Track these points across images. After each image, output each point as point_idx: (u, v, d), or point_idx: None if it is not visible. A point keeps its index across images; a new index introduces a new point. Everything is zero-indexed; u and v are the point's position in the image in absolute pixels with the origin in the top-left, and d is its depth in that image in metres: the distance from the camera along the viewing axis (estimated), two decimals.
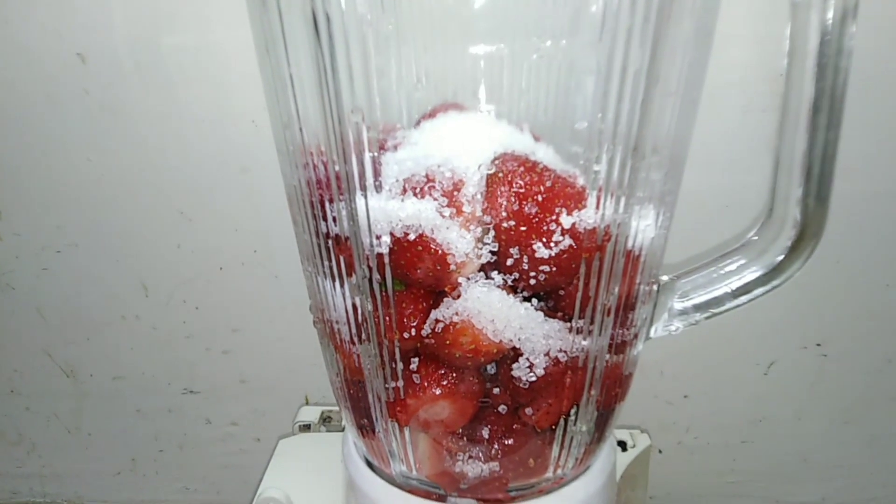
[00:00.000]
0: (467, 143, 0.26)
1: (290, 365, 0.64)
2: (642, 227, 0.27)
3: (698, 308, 0.31)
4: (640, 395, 0.62)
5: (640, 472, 0.46)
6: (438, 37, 0.25)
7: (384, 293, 0.26)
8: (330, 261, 0.27)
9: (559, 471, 0.31)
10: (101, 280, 0.62)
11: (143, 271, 0.62)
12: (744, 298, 0.30)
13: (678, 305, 0.31)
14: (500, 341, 0.26)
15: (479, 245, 0.25)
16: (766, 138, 0.51)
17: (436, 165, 0.25)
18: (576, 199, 0.25)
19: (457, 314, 0.26)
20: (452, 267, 0.25)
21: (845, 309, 0.57)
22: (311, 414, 0.49)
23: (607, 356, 0.29)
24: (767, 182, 0.31)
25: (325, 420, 0.48)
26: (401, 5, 0.24)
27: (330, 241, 0.27)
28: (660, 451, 0.64)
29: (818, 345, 0.59)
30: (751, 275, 0.30)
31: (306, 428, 0.47)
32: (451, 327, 0.26)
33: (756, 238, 0.30)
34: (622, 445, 0.45)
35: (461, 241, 0.25)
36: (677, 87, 0.25)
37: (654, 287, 0.31)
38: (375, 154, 0.24)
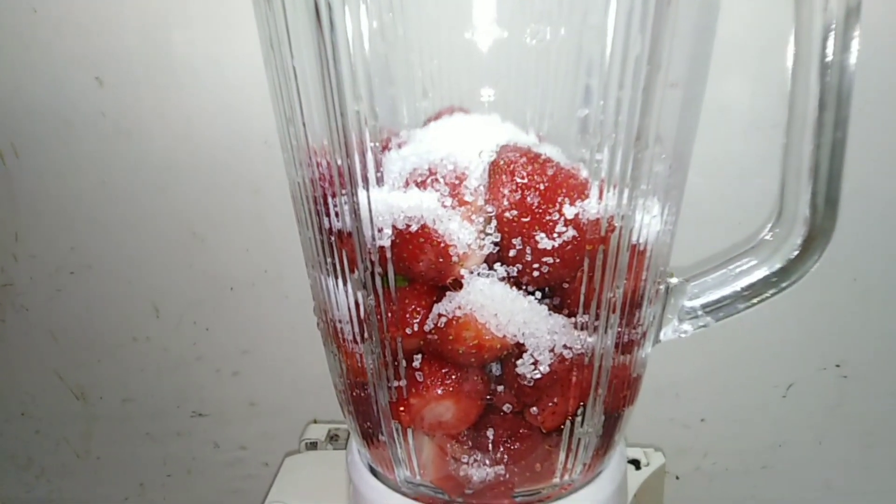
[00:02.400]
0: (471, 139, 0.26)
1: (299, 387, 0.64)
2: (647, 221, 0.26)
3: (708, 310, 0.30)
4: (656, 418, 0.61)
5: (654, 494, 0.45)
6: (442, 33, 0.26)
7: (386, 289, 0.26)
8: (333, 257, 0.27)
9: (566, 476, 0.30)
10: (113, 302, 0.62)
11: (154, 292, 0.62)
12: (755, 300, 0.30)
13: (687, 307, 0.31)
14: (504, 336, 0.26)
15: (482, 236, 0.25)
16: (775, 154, 0.51)
17: (438, 159, 0.25)
18: (578, 190, 0.24)
19: (459, 308, 0.25)
20: (455, 259, 0.25)
21: (865, 328, 0.55)
22: (318, 432, 0.48)
23: (614, 355, 0.28)
24: (778, 197, 0.30)
25: (332, 438, 0.48)
26: None
27: (333, 237, 0.27)
28: (677, 478, 0.62)
29: (837, 366, 0.57)
30: (761, 275, 0.29)
31: (313, 446, 0.46)
32: (453, 321, 0.25)
33: (766, 239, 0.29)
34: (635, 464, 0.44)
35: (463, 233, 0.24)
36: (679, 79, 0.25)
37: (662, 287, 0.31)
38: (377, 144, 0.24)
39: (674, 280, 0.31)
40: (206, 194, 0.58)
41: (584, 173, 0.25)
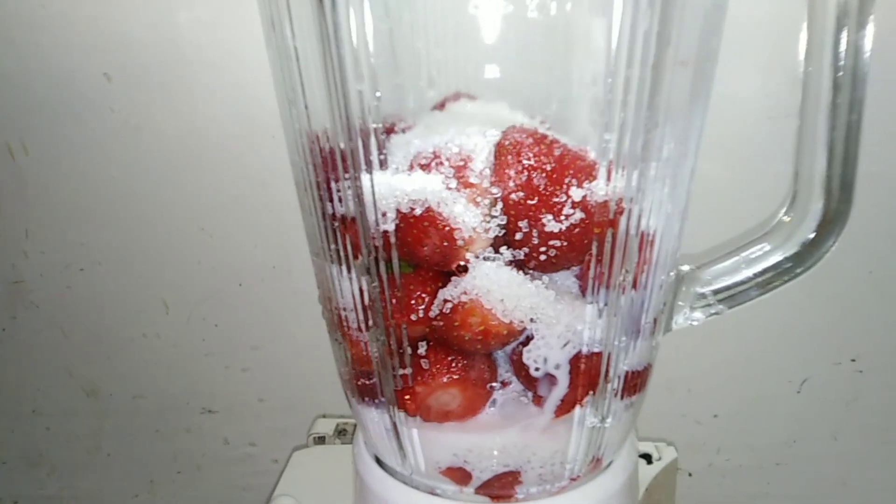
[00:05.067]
0: (477, 122, 0.25)
1: (308, 382, 0.64)
2: (657, 205, 0.26)
3: (720, 297, 0.30)
4: (668, 414, 0.60)
5: (666, 489, 0.44)
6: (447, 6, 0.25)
7: (391, 275, 0.26)
8: (336, 243, 0.27)
9: (575, 467, 0.30)
10: (123, 298, 0.62)
11: (164, 288, 0.62)
12: (768, 287, 0.29)
13: (699, 295, 0.30)
14: (511, 322, 0.25)
15: (488, 219, 0.24)
16: (791, 144, 0.50)
17: (443, 142, 0.24)
18: (586, 172, 0.24)
19: (465, 293, 0.25)
20: (460, 243, 0.24)
21: (880, 321, 0.55)
22: (326, 426, 0.48)
23: (623, 342, 0.27)
24: (791, 181, 0.30)
25: (341, 433, 0.47)
26: None
27: (336, 223, 0.26)
28: (689, 474, 0.62)
29: (853, 360, 0.57)
30: (775, 261, 0.29)
31: (321, 440, 0.46)
32: (459, 307, 0.25)
33: (780, 225, 0.29)
34: (647, 458, 0.43)
35: (469, 216, 0.24)
36: (690, 57, 0.25)
37: (673, 275, 0.30)
38: (380, 126, 0.24)
39: (685, 268, 0.31)
40: (215, 190, 0.58)
41: (591, 155, 0.24)
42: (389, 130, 0.26)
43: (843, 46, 0.27)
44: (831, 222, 0.28)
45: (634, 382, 0.30)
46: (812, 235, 0.28)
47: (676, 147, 0.26)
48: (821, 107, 0.27)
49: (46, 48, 0.56)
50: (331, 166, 0.25)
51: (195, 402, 0.66)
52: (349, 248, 0.26)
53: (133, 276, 0.61)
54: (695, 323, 0.31)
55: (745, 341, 0.57)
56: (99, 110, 0.57)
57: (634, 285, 0.27)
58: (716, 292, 0.30)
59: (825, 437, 0.59)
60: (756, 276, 0.29)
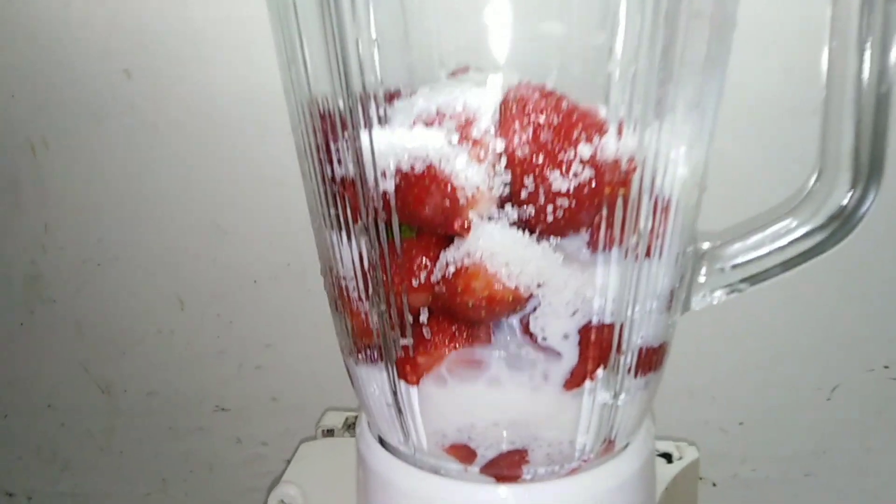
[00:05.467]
0: (484, 83, 0.24)
1: (321, 382, 0.63)
2: (672, 169, 0.25)
3: (742, 274, 0.28)
4: (690, 421, 0.58)
5: (687, 493, 0.43)
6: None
7: (391, 239, 0.25)
8: (336, 208, 0.26)
9: (586, 448, 0.28)
10: (139, 294, 0.63)
11: (179, 285, 0.62)
12: (792, 263, 0.28)
13: (720, 271, 0.29)
14: (517, 287, 0.24)
15: (492, 177, 0.23)
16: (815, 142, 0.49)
17: (447, 101, 0.23)
18: (596, 127, 0.23)
19: (468, 256, 0.24)
20: (462, 202, 0.23)
21: None
22: (335, 419, 0.47)
23: (637, 314, 0.26)
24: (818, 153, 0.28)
25: (350, 426, 0.46)
26: None
27: (336, 186, 0.26)
28: (713, 485, 0.59)
29: (886, 367, 0.54)
30: (800, 234, 0.27)
31: (330, 433, 0.45)
32: (462, 271, 0.24)
33: (806, 198, 0.27)
34: (667, 457, 0.42)
35: (472, 173, 0.23)
36: (705, 10, 0.24)
37: (691, 249, 0.29)
38: (377, 78, 0.23)
39: (705, 245, 0.29)
40: (231, 187, 0.58)
41: (602, 113, 0.23)
42: (393, 97, 0.25)
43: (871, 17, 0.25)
44: (861, 194, 0.26)
45: (649, 360, 0.28)
46: (839, 208, 0.26)
47: (692, 107, 0.25)
48: (847, 77, 0.26)
49: (68, 45, 0.56)
50: (330, 126, 0.24)
51: (208, 401, 0.65)
52: (349, 211, 0.25)
53: (149, 272, 0.61)
54: (714, 301, 0.29)
55: (772, 345, 0.55)
56: (118, 107, 0.58)
57: (648, 253, 0.26)
58: (737, 267, 0.29)
59: (856, 447, 0.56)
60: (780, 250, 0.28)
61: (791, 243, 0.28)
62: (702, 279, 0.29)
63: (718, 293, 0.29)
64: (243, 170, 0.58)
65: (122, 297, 0.63)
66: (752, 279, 0.29)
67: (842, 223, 0.27)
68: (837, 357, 0.54)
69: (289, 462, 0.42)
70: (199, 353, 0.63)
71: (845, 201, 0.26)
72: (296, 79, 0.26)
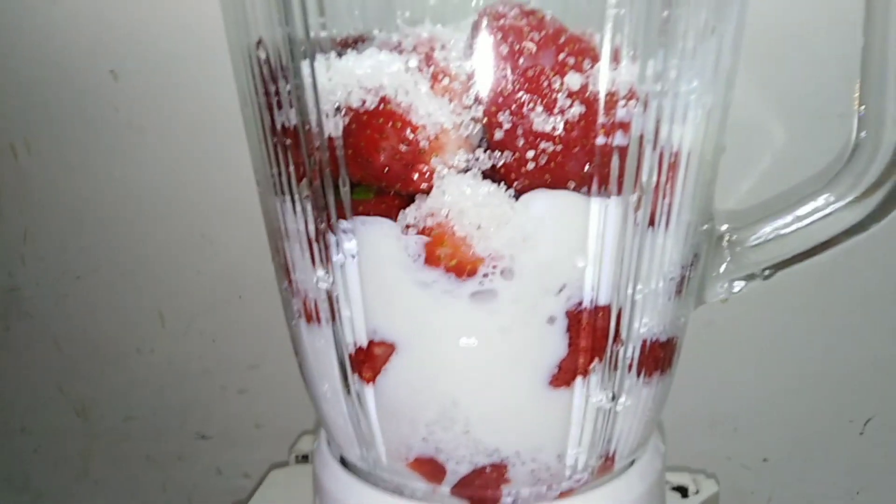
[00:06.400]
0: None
1: (308, 410, 0.58)
2: (681, 113, 0.21)
3: (763, 252, 0.24)
4: (711, 455, 0.54)
5: None
6: None
7: (339, 200, 0.21)
8: (278, 166, 0.22)
9: (579, 463, 0.23)
10: (119, 308, 0.59)
11: (161, 299, 0.58)
12: (822, 244, 0.23)
13: (739, 252, 0.24)
14: (491, 255, 0.20)
15: (460, 112, 0.19)
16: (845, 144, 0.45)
17: (411, 33, 0.20)
18: (586, 53, 0.19)
19: (432, 216, 0.20)
20: (424, 144, 0.19)
21: None
22: (311, 443, 0.42)
23: (639, 296, 0.22)
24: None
25: None
26: None
27: (276, 139, 0.22)
28: None
29: None
30: (832, 210, 0.23)
31: (304, 458, 0.40)
32: (424, 235, 0.20)
33: (842, 171, 0.23)
34: (682, 491, 0.37)
35: (434, 107, 0.19)
36: None
37: (707, 226, 0.24)
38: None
39: (724, 225, 0.25)
40: (218, 195, 0.55)
41: (596, 39, 0.19)
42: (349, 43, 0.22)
43: None
44: None
45: (655, 356, 0.24)
46: (881, 176, 0.22)
47: (705, 34, 0.20)
48: (891, 23, 0.22)
49: (54, 44, 0.55)
50: (268, 65, 0.21)
51: (188, 427, 0.61)
52: (291, 168, 0.21)
53: (130, 286, 0.58)
54: (735, 290, 0.25)
55: (800, 374, 0.51)
56: (104, 110, 0.55)
57: (652, 220, 0.21)
58: (758, 248, 0.24)
59: (893, 485, 0.51)
60: (809, 226, 0.23)
61: (826, 217, 0.23)
62: (719, 264, 0.25)
63: (738, 282, 0.25)
64: (233, 177, 0.55)
65: (101, 311, 0.60)
66: (780, 264, 0.24)
67: (886, 194, 0.22)
68: (870, 386, 0.50)
69: (254, 490, 0.38)
70: (180, 374, 0.60)
71: (892, 160, 0.22)
72: (238, 20, 0.22)
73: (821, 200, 0.24)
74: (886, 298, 0.49)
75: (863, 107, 0.23)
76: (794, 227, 0.24)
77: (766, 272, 0.25)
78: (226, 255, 0.56)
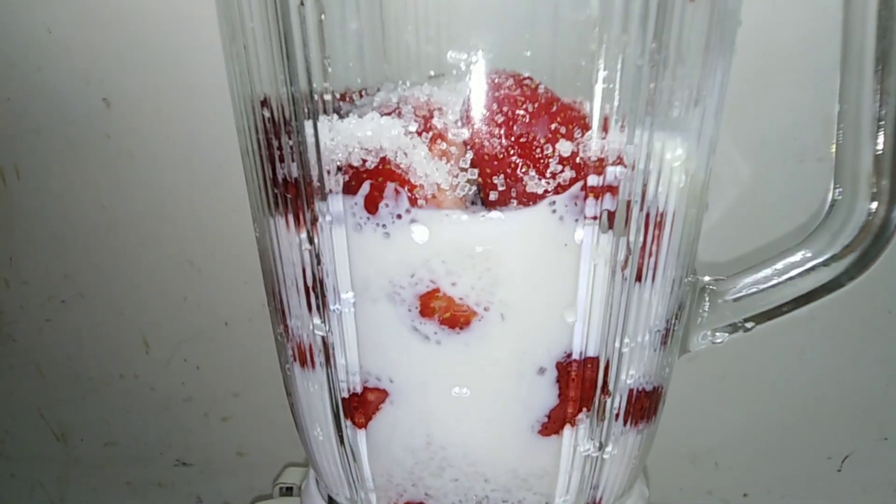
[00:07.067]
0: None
1: (291, 438, 0.58)
2: (666, 177, 0.21)
3: (746, 305, 0.25)
4: (691, 490, 0.54)
5: None
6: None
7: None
8: (278, 215, 0.23)
9: None
10: (103, 334, 0.59)
11: (146, 325, 0.58)
12: (803, 300, 0.24)
13: (722, 304, 0.25)
14: (486, 308, 0.20)
15: (456, 174, 0.20)
16: (823, 189, 0.46)
17: (410, 92, 0.20)
18: (577, 121, 0.20)
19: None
20: (421, 203, 0.20)
21: None
22: (296, 476, 0.42)
23: (626, 348, 0.22)
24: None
25: None
26: None
27: (277, 189, 0.22)
28: None
29: None
30: (811, 266, 0.24)
31: (288, 491, 0.40)
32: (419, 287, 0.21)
33: (821, 227, 0.24)
34: None
35: (432, 168, 0.20)
36: None
37: (691, 279, 0.25)
38: (321, 44, 0.20)
39: (706, 278, 0.26)
40: (206, 222, 0.55)
41: (586, 107, 0.20)
42: (348, 98, 0.22)
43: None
44: (881, 221, 0.23)
45: (641, 405, 0.24)
46: (859, 234, 0.23)
47: (690, 105, 0.22)
48: (864, 89, 0.23)
49: (49, 72, 0.55)
50: (272, 121, 0.21)
51: (169, 453, 0.61)
52: (291, 219, 0.22)
53: (115, 311, 0.58)
54: (717, 342, 0.26)
55: (779, 411, 0.52)
56: (95, 136, 0.55)
57: (639, 276, 0.22)
58: (741, 302, 0.25)
59: None
60: (791, 281, 0.24)
61: (803, 273, 0.24)
62: (702, 316, 0.26)
63: (720, 333, 0.26)
64: (221, 206, 0.55)
65: (85, 336, 0.59)
66: (759, 317, 0.25)
67: (861, 254, 0.23)
68: (848, 424, 0.51)
69: None
70: (162, 401, 0.59)
71: (858, 236, 0.23)
72: (237, 56, 0.23)
73: (798, 256, 0.25)
74: (863, 338, 0.50)
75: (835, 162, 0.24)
76: (773, 282, 0.25)
77: (749, 325, 0.26)
78: (212, 282, 0.56)
